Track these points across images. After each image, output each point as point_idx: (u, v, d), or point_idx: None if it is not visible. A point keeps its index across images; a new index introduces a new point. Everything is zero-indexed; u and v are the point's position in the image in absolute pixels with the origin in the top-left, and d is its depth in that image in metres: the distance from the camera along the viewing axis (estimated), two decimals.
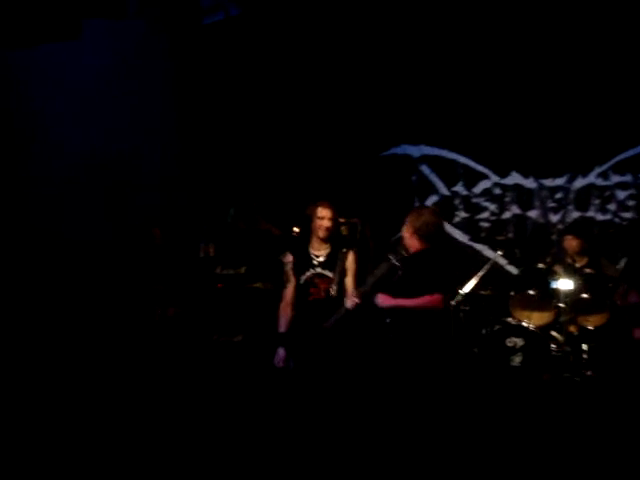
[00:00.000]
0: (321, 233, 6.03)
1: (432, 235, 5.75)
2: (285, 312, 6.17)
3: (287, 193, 9.69)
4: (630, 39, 8.45)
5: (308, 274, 6.06)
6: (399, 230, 9.52)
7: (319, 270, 6.04)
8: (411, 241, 5.80)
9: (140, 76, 9.39)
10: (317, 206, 6.09)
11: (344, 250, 6.05)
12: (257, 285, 8.27)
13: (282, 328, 6.16)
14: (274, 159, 10.02)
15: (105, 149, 9.03)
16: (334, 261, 6.02)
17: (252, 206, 9.33)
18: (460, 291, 7.73)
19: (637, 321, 7.21)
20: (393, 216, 9.75)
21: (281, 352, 6.09)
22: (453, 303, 7.80)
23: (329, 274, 5.99)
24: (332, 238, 6.11)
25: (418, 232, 5.75)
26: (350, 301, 5.81)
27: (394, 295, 5.76)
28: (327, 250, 6.08)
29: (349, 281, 6.03)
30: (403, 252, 5.71)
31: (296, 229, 7.83)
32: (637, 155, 8.79)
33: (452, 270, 6.20)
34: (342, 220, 7.90)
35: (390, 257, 5.70)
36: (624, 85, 8.57)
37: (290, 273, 6.17)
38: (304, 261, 6.11)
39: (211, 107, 10.12)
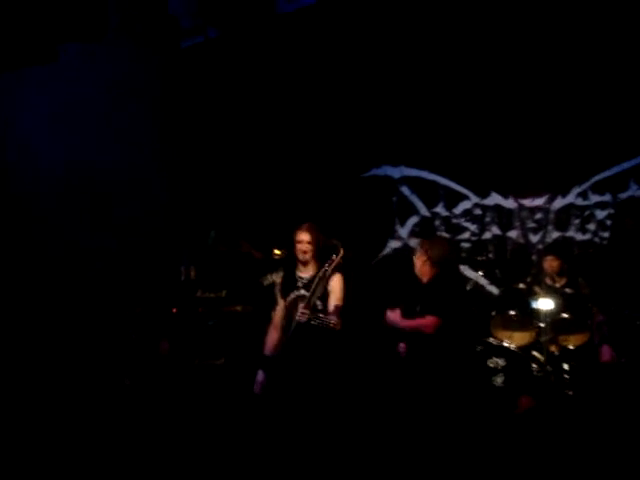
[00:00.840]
0: (300, 256, 6.02)
1: (445, 263, 5.94)
2: (271, 335, 6.15)
3: (268, 215, 9.68)
4: (607, 61, 8.51)
5: (292, 296, 6.04)
6: (380, 251, 9.71)
7: (302, 292, 6.01)
8: (424, 269, 6.09)
9: (123, 98, 9.38)
10: (296, 230, 6.09)
11: (326, 271, 6.02)
12: (237, 308, 8.23)
13: (266, 351, 6.13)
14: (255, 181, 10.01)
15: (89, 167, 9.02)
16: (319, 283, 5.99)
17: (233, 229, 9.31)
18: None
19: (602, 341, 7.21)
20: (374, 237, 9.82)
21: (260, 376, 6.05)
22: None
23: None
24: (319, 259, 6.08)
25: (431, 260, 5.95)
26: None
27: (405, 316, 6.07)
28: (312, 272, 6.06)
29: (331, 303, 5.99)
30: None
31: (277, 252, 7.81)
32: (616, 175, 8.83)
33: (459, 297, 6.31)
34: None
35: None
36: (601, 105, 8.62)
37: (278, 295, 6.16)
38: (290, 282, 6.09)
39: (192, 129, 10.11)
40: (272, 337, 6.14)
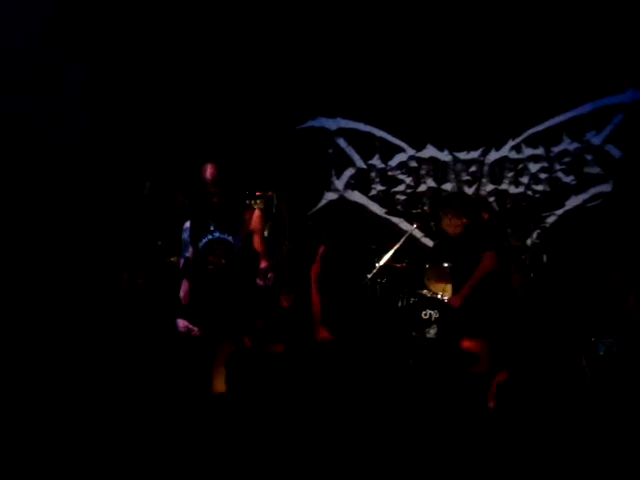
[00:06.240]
0: (210, 198, 5.73)
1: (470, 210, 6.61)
2: (184, 284, 5.89)
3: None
4: (541, 15, 8.58)
5: (205, 240, 5.78)
6: (314, 204, 9.71)
7: (217, 235, 5.76)
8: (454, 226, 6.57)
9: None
10: (201, 171, 5.76)
11: (248, 210, 5.81)
12: (172, 259, 8.16)
13: (184, 301, 5.90)
14: (192, 132, 9.88)
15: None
16: (234, 223, 5.76)
17: (168, 179, 9.21)
18: (376, 264, 7.80)
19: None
20: (309, 189, 9.81)
21: (181, 322, 5.80)
22: (369, 276, 7.88)
23: (229, 238, 5.74)
24: (232, 200, 5.87)
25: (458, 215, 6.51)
26: (261, 281, 5.63)
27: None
28: (226, 213, 5.78)
29: (256, 242, 5.79)
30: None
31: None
32: (548, 128, 8.96)
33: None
34: (258, 193, 7.86)
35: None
36: (536, 59, 8.70)
37: (187, 242, 5.86)
38: (201, 227, 5.80)
39: (124, 77, 9.91)
40: (184, 286, 5.89)
